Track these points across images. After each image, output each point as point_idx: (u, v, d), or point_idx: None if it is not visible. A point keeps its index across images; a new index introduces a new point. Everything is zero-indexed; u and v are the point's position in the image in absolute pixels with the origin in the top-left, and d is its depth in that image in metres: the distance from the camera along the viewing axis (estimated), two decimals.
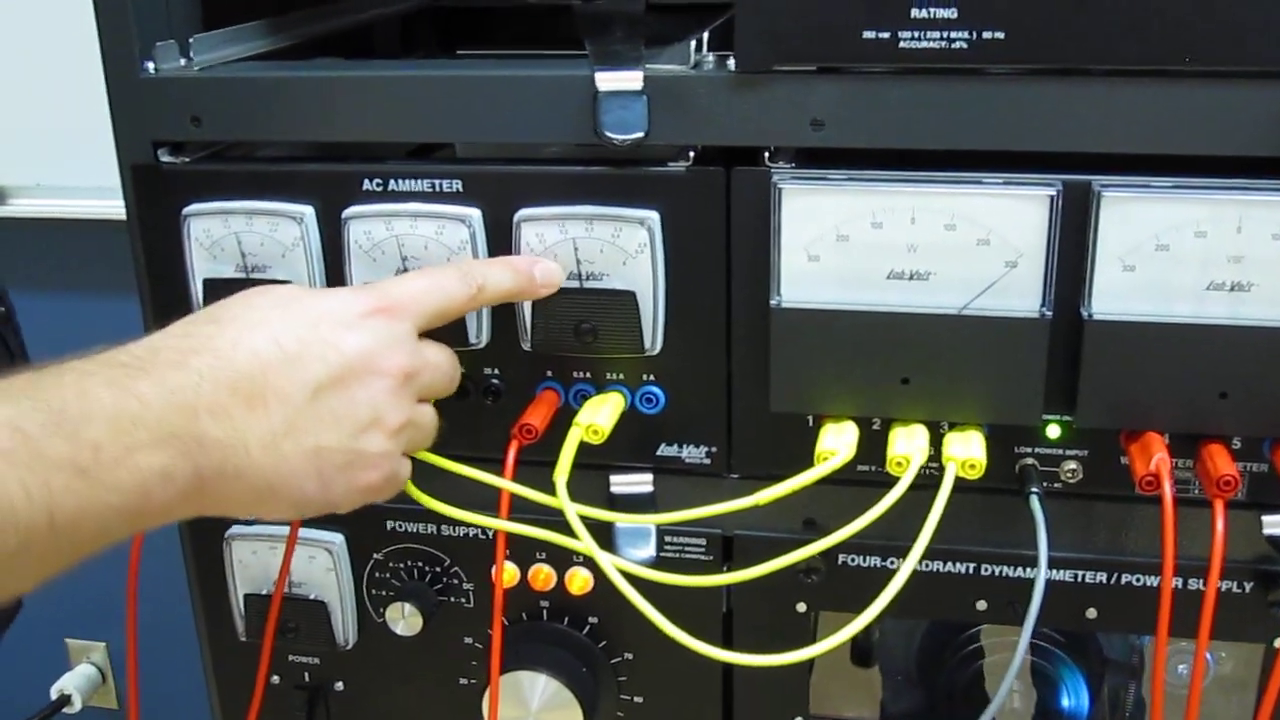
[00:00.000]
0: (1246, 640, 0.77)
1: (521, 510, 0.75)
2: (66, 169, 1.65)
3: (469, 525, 0.82)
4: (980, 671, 0.84)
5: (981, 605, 0.78)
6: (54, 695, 2.01)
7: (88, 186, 1.65)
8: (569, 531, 0.73)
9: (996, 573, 0.77)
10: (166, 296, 0.81)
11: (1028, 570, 0.77)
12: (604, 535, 0.77)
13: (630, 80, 0.70)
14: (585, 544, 0.71)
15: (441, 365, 0.70)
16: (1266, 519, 0.73)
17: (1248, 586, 0.75)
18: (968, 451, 0.71)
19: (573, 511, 0.71)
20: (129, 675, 0.87)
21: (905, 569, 0.67)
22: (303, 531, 0.84)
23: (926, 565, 0.78)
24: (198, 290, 0.79)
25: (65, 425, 0.51)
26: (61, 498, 0.51)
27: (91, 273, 1.70)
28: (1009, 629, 0.83)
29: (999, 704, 0.70)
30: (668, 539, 0.79)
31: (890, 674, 0.89)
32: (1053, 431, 0.73)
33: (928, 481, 0.71)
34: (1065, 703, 0.86)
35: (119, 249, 0.85)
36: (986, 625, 0.84)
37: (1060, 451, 0.74)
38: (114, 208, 0.83)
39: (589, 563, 0.80)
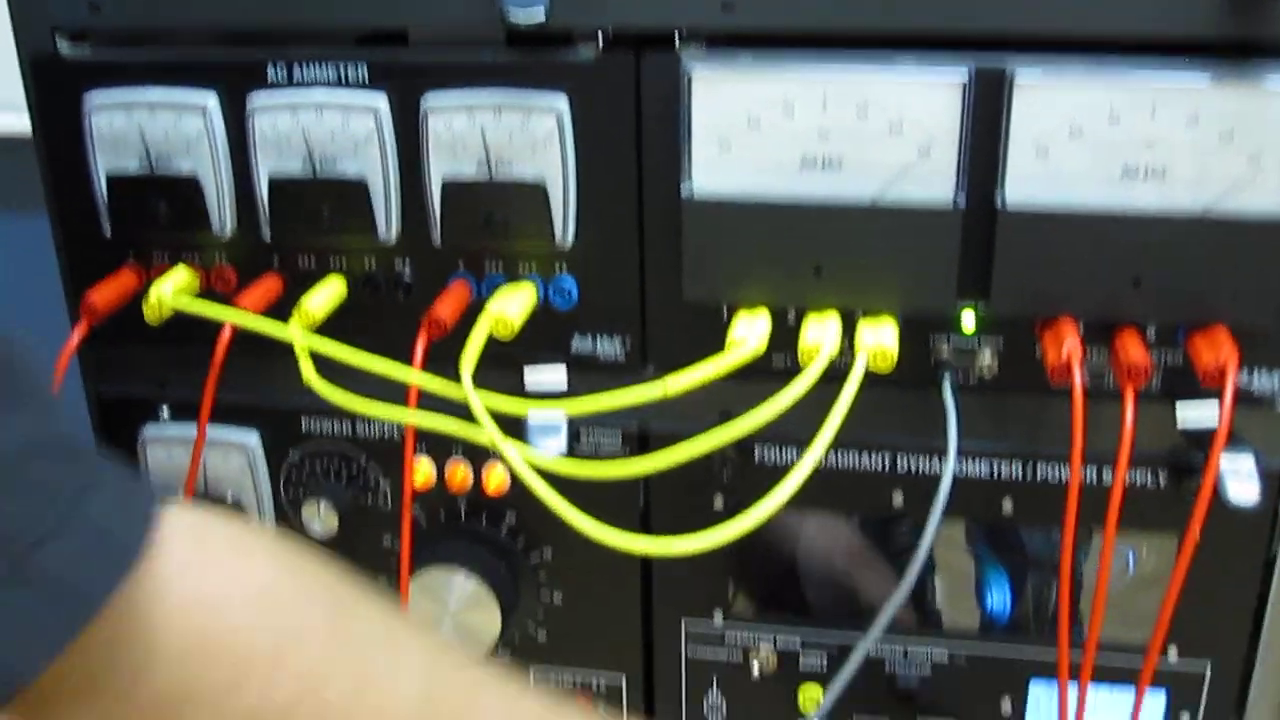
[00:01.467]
0: (1160, 532, 0.77)
1: (437, 408, 0.74)
2: None
3: (384, 424, 0.81)
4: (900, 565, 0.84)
5: (899, 499, 0.78)
6: None
7: None
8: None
9: (913, 466, 0.77)
10: (68, 196, 0.79)
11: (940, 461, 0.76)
12: (518, 432, 0.76)
13: None
14: (490, 434, 0.70)
15: None
16: (1181, 409, 0.73)
17: (1162, 478, 0.75)
18: (879, 340, 0.70)
19: (477, 401, 0.70)
20: None
21: (810, 457, 0.67)
22: (218, 432, 0.83)
23: (842, 459, 0.77)
24: (102, 186, 0.77)
25: None
26: None
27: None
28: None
29: (904, 594, 0.70)
30: (582, 434, 0.79)
31: (816, 571, 0.89)
32: (968, 322, 0.73)
33: (841, 373, 0.70)
34: (989, 601, 0.87)
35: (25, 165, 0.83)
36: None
37: (976, 344, 0.73)
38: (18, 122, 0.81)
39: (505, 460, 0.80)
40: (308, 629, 0.49)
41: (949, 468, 0.68)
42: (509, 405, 0.73)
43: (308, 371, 0.74)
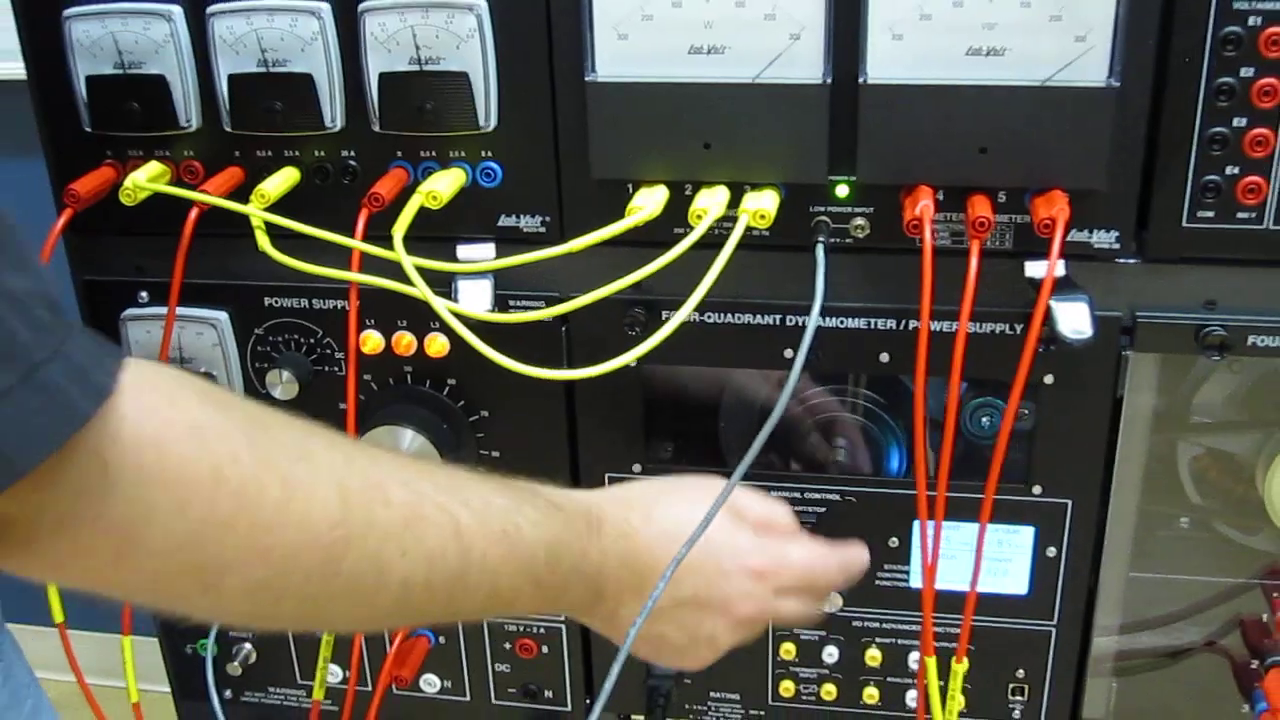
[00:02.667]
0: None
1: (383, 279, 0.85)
2: None
3: (337, 299, 0.91)
4: (820, 424, 0.94)
5: (788, 353, 0.88)
6: None
7: None
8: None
9: (802, 322, 0.87)
10: (52, 100, 0.89)
11: (831, 319, 0.86)
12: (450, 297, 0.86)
13: None
14: (420, 289, 0.80)
15: (783, 614, 0.82)
16: (1028, 264, 0.83)
17: (1018, 328, 0.85)
18: (759, 204, 0.80)
19: (408, 261, 0.80)
20: None
21: (687, 306, 0.77)
22: (191, 310, 0.93)
23: (737, 316, 0.87)
24: (81, 89, 0.87)
25: (550, 560, 0.70)
26: (515, 601, 0.70)
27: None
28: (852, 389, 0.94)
29: (768, 431, 0.79)
30: (510, 302, 0.89)
31: (732, 430, 0.99)
32: (841, 191, 0.83)
33: (746, 243, 0.80)
34: (882, 451, 0.96)
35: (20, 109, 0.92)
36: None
37: (850, 209, 0.83)
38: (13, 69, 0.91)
39: (445, 327, 0.90)
40: (237, 453, 0.57)
41: (813, 318, 0.78)
42: (437, 265, 0.83)
43: (263, 241, 0.84)
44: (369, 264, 0.85)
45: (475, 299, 0.85)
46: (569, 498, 0.75)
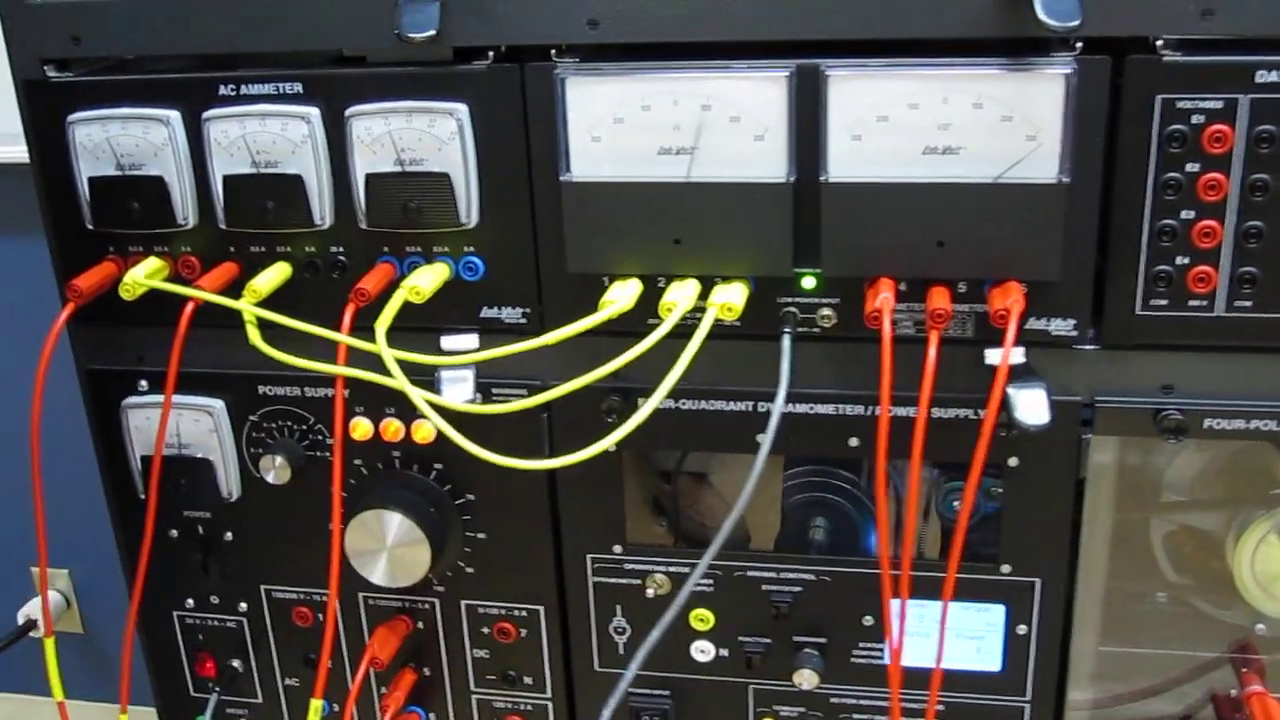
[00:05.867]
0: (989, 460, 0.90)
1: (367, 369, 0.88)
2: None
3: (328, 387, 0.95)
4: (802, 504, 0.97)
5: (760, 438, 0.91)
6: (20, 620, 2.15)
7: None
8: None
9: (770, 409, 0.90)
10: (57, 199, 0.93)
11: (797, 405, 0.89)
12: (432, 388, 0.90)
13: None
14: (399, 381, 0.84)
15: None
16: (988, 351, 0.86)
17: (980, 414, 0.88)
18: (727, 297, 0.84)
19: (388, 354, 0.84)
20: (40, 580, 0.98)
21: (659, 393, 0.80)
22: (188, 398, 0.97)
23: (710, 403, 0.90)
24: (84, 187, 0.92)
25: None
26: None
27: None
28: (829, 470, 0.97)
29: (736, 516, 0.81)
30: (494, 390, 0.92)
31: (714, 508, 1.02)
32: (808, 283, 0.86)
33: (723, 333, 0.84)
34: (856, 533, 0.99)
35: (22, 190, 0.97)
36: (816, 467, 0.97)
37: (816, 300, 0.87)
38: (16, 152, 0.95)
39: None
40: None
41: (778, 405, 0.81)
42: (420, 358, 0.87)
43: (254, 335, 0.88)
44: (357, 355, 0.88)
45: (457, 391, 0.89)
46: None
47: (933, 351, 0.80)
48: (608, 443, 0.83)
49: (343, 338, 0.86)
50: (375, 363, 0.88)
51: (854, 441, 0.90)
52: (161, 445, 0.94)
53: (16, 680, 2.24)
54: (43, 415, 0.93)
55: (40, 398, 0.92)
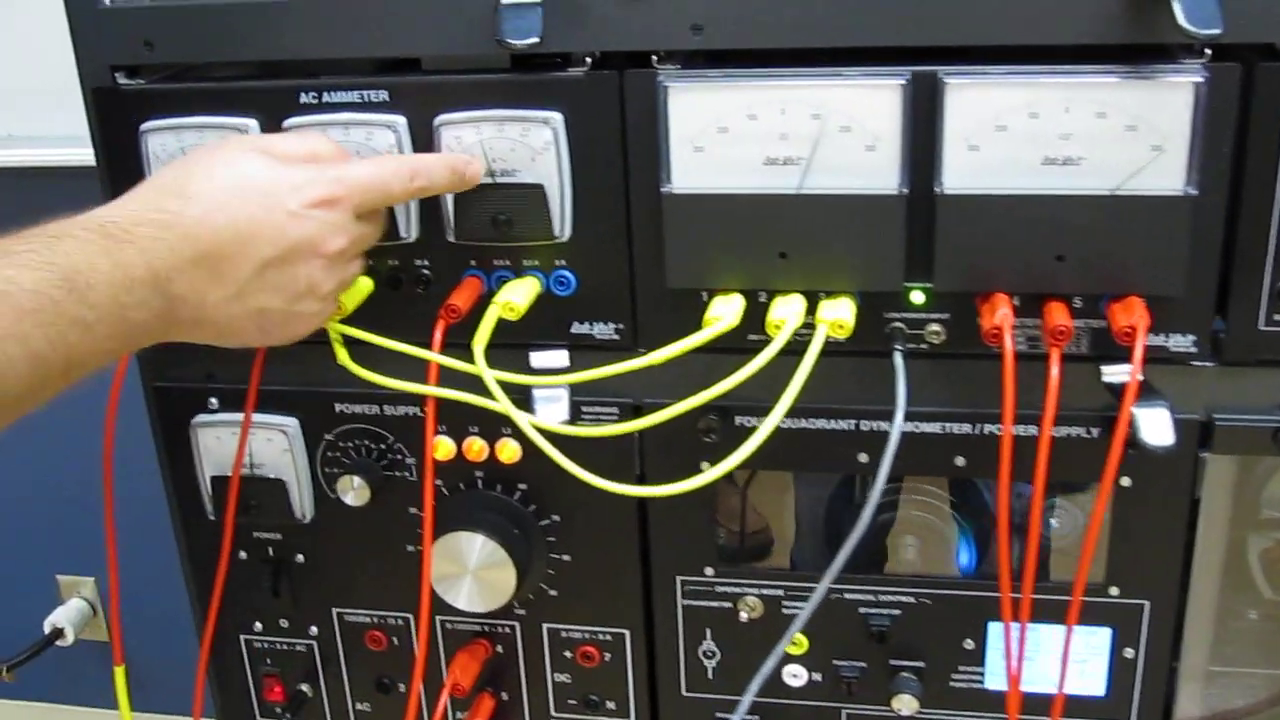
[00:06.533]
0: (1097, 481, 0.87)
1: (453, 386, 0.85)
2: (37, 120, 1.74)
3: (408, 405, 0.92)
4: (883, 525, 0.94)
5: (863, 457, 0.88)
6: (47, 629, 2.12)
7: (58, 136, 1.74)
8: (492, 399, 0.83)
9: (875, 427, 0.87)
10: None
11: (906, 423, 0.86)
12: (527, 407, 0.86)
13: None
14: (502, 404, 0.80)
15: (370, 236, 0.81)
16: (1105, 368, 0.82)
17: (1095, 432, 0.85)
18: (837, 314, 0.81)
19: (489, 375, 0.81)
20: (111, 603, 0.96)
21: (773, 417, 0.77)
22: (262, 416, 0.93)
23: (812, 421, 0.87)
24: None
25: (75, 291, 0.65)
26: (74, 348, 0.65)
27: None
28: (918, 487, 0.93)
29: (854, 543, 0.79)
30: (584, 409, 0.89)
31: (803, 530, 0.99)
32: (916, 298, 0.83)
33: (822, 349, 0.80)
34: (958, 553, 0.96)
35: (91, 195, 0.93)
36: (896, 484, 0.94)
37: (925, 316, 0.83)
38: (84, 155, 0.92)
39: (517, 435, 0.90)
40: None
41: (896, 425, 0.78)
42: (516, 378, 0.84)
43: (342, 355, 0.85)
44: (442, 373, 0.85)
45: (553, 411, 0.85)
46: (77, 221, 0.69)
47: (1055, 370, 0.77)
48: (716, 474, 0.79)
49: (439, 357, 0.83)
50: (463, 383, 0.84)
51: (960, 461, 0.87)
52: (240, 466, 0.91)
53: (42, 688, 2.22)
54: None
55: (113, 418, 0.89)
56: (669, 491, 0.78)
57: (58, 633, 2.13)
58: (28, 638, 2.10)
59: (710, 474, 0.78)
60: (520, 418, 0.80)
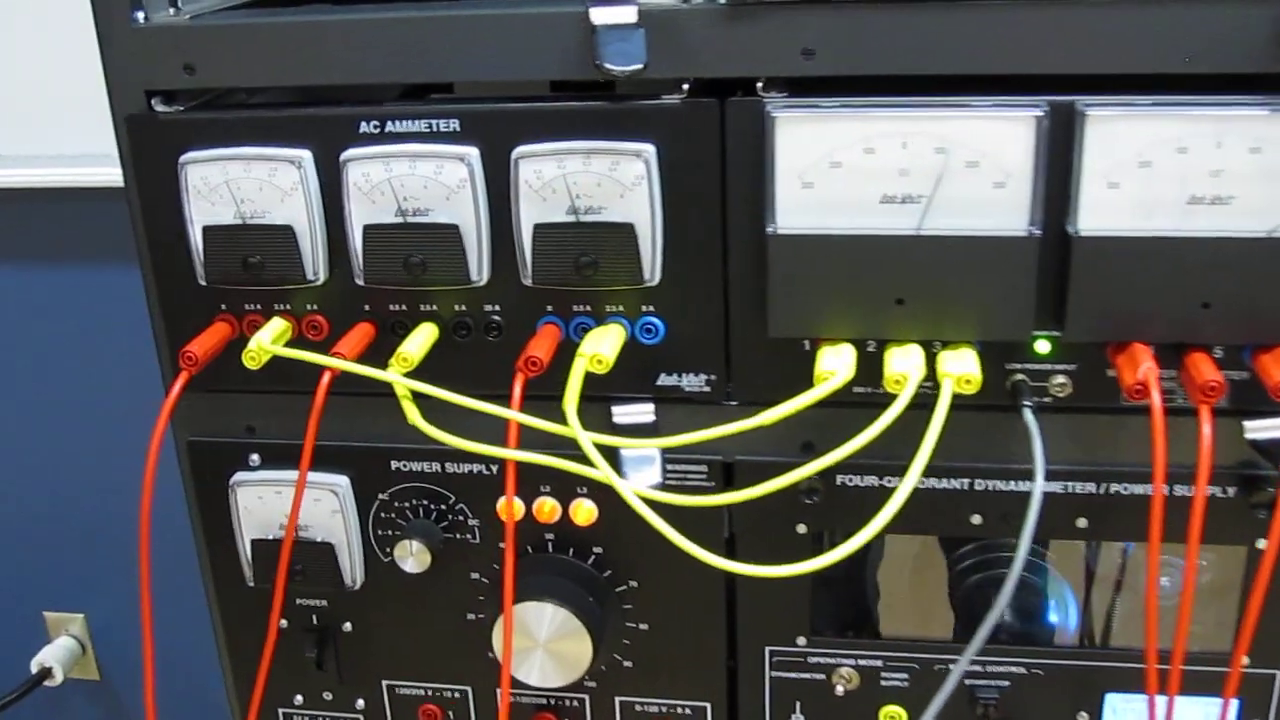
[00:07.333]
0: (1230, 543, 0.80)
1: (524, 444, 0.77)
2: (58, 138, 1.65)
3: (472, 462, 0.84)
4: (978, 585, 0.86)
5: (976, 519, 0.81)
6: (34, 669, 2.01)
7: (80, 154, 1.64)
8: (574, 461, 0.75)
9: (990, 487, 0.80)
10: (163, 249, 0.82)
11: (1019, 483, 0.79)
12: (609, 464, 0.78)
13: (625, 14, 0.71)
14: (603, 471, 0.72)
15: None
16: (1248, 423, 0.75)
17: (1231, 491, 0.78)
18: (963, 368, 0.73)
19: (586, 439, 0.73)
20: (145, 647, 0.87)
21: (906, 485, 0.70)
22: (310, 475, 0.85)
23: (922, 482, 0.80)
24: (197, 237, 0.80)
25: None
26: None
27: (88, 242, 1.69)
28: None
29: (1000, 611, 0.72)
30: (670, 467, 0.81)
31: (894, 595, 0.92)
32: (1042, 347, 0.76)
33: (921, 401, 0.73)
34: (1053, 616, 0.89)
35: (114, 216, 0.85)
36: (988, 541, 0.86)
37: (1049, 366, 0.76)
38: (107, 175, 0.83)
39: (593, 494, 0.82)
40: None
41: (1038, 488, 0.71)
42: (610, 440, 0.76)
43: (412, 414, 0.77)
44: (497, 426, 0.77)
45: (645, 475, 0.78)
46: None
47: (1207, 429, 0.70)
48: (853, 546, 0.71)
49: (525, 418, 0.74)
50: (530, 436, 0.76)
51: (1082, 523, 0.80)
52: (293, 531, 0.83)
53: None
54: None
55: (153, 473, 0.80)
56: (794, 572, 0.70)
57: (45, 672, 2.02)
58: (14, 678, 2.00)
59: (844, 549, 0.70)
60: (623, 486, 0.72)
